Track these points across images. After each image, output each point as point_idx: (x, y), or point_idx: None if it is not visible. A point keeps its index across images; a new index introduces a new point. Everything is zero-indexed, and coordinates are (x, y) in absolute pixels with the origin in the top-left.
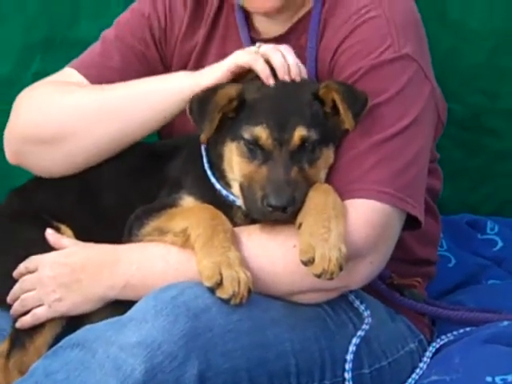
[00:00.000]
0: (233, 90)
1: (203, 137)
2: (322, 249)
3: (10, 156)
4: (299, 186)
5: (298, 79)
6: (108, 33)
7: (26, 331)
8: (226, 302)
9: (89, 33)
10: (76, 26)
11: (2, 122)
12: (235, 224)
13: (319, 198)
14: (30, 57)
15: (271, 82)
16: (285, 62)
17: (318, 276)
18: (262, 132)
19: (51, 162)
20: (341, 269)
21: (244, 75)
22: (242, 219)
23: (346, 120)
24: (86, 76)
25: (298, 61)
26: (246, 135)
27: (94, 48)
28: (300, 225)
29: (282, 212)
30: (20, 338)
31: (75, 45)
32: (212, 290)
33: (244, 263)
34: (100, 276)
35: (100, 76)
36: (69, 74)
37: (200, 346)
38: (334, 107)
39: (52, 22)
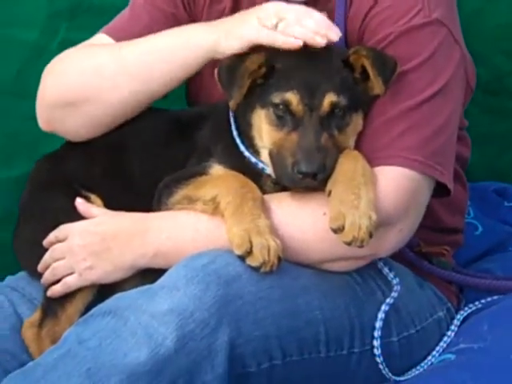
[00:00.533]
0: (262, 57)
1: (233, 103)
2: (352, 216)
3: (43, 123)
4: (329, 152)
5: (334, 38)
6: None
7: (58, 300)
8: (256, 269)
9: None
10: None
11: (33, 91)
12: (264, 192)
13: (349, 165)
14: (56, 24)
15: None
16: (307, 30)
17: (348, 244)
18: (292, 97)
19: (79, 124)
20: (371, 236)
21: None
22: (271, 187)
23: (376, 85)
24: (116, 39)
25: (320, 15)
26: (277, 100)
27: (124, 13)
28: (330, 192)
29: (312, 179)
30: (52, 307)
31: (101, 12)
32: (242, 258)
33: (274, 231)
34: (130, 244)
35: (129, 39)
36: (98, 38)
37: (231, 314)
38: (364, 73)
39: None
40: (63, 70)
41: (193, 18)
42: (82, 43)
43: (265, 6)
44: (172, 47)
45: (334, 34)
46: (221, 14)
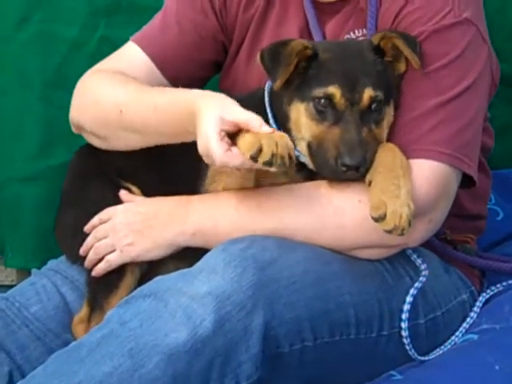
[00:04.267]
0: (306, 41)
1: (278, 83)
2: (393, 205)
3: (73, 128)
4: (370, 145)
5: None
6: (170, 4)
7: (103, 294)
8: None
9: None
10: None
11: (72, 84)
12: (289, 177)
13: (387, 157)
14: (95, 22)
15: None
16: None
17: (389, 232)
18: (335, 91)
19: (100, 146)
20: (410, 225)
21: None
22: (302, 175)
23: (413, 61)
24: (144, 49)
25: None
26: (319, 94)
27: (155, 21)
28: (370, 182)
29: (355, 171)
30: (97, 300)
31: (139, 10)
32: (254, 158)
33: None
34: (171, 222)
35: (160, 54)
36: (128, 47)
37: (266, 297)
38: (392, 55)
39: None
40: (87, 97)
41: (223, 27)
42: (115, 54)
43: None
44: (164, 106)
45: None
46: (252, 18)
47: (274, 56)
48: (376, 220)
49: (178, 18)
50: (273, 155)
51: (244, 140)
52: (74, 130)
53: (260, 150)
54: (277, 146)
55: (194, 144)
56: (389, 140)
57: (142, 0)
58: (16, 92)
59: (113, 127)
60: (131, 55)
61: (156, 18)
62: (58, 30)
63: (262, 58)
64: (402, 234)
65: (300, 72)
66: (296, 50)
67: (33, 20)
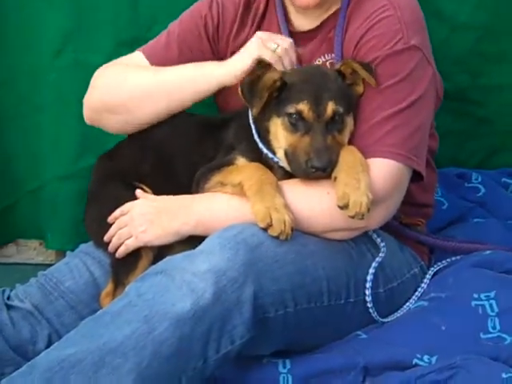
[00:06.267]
0: (276, 74)
1: (255, 111)
2: (354, 196)
3: (87, 120)
4: (334, 150)
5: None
6: (173, 27)
7: (124, 272)
8: (276, 238)
9: None
10: (154, 28)
11: None
12: (277, 179)
13: (349, 157)
14: (119, 51)
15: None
16: (291, 62)
17: (352, 217)
18: (304, 107)
19: (115, 125)
20: (368, 211)
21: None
22: (281, 175)
23: (370, 81)
24: (149, 61)
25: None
26: (291, 110)
27: (161, 37)
28: (335, 178)
29: (322, 172)
30: (119, 279)
31: None
32: (265, 229)
33: (288, 207)
34: (177, 214)
35: (159, 65)
36: (136, 55)
37: (255, 273)
38: (352, 79)
39: (136, 25)
40: (108, 83)
41: (215, 51)
42: (122, 58)
43: (262, 33)
44: (195, 78)
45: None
46: (241, 44)
47: (250, 89)
48: (341, 208)
49: (179, 41)
50: (281, 232)
51: (256, 209)
52: (87, 120)
53: (270, 224)
54: (285, 224)
55: (192, 151)
56: (353, 143)
57: (156, 34)
58: (56, 110)
59: (142, 92)
60: (136, 61)
61: (161, 35)
62: (89, 59)
63: (241, 91)
64: (362, 219)
65: (275, 96)
66: (267, 85)
67: (67, 50)
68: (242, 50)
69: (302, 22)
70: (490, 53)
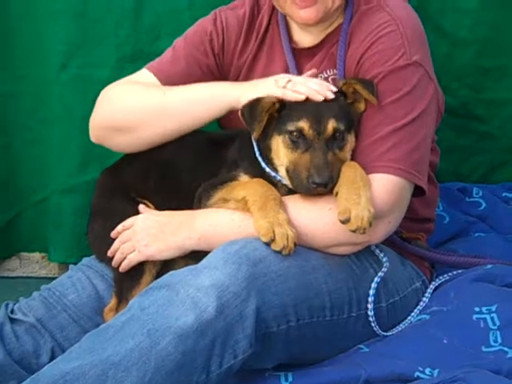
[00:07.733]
0: (274, 97)
1: (255, 134)
2: (355, 210)
3: (92, 138)
4: (335, 166)
5: (330, 96)
6: (179, 43)
7: (127, 288)
8: (278, 252)
9: (167, 47)
10: (157, 42)
11: None
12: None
13: (350, 172)
14: (122, 66)
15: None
16: (309, 88)
17: (354, 231)
18: (305, 124)
19: (121, 144)
20: (370, 225)
21: None
22: (284, 191)
23: (371, 100)
24: (157, 77)
25: (320, 81)
26: (292, 128)
27: (167, 53)
28: (337, 193)
29: (323, 187)
30: (123, 293)
31: (157, 56)
32: (268, 244)
33: (291, 223)
34: (180, 229)
35: (167, 79)
36: (142, 73)
37: (257, 288)
38: (353, 98)
39: (139, 40)
40: (115, 99)
41: (220, 66)
42: (129, 77)
43: (280, 75)
44: (204, 98)
45: (330, 93)
46: (246, 60)
47: (250, 112)
48: (343, 222)
49: (185, 55)
50: (284, 247)
51: (259, 224)
52: (94, 140)
53: (273, 239)
54: (288, 239)
55: (196, 167)
56: (355, 159)
57: (160, 48)
58: (60, 123)
59: (151, 112)
60: (144, 79)
61: (167, 52)
62: (93, 73)
63: (242, 114)
64: (363, 233)
65: (275, 116)
66: (266, 108)
67: (72, 65)
68: (259, 81)
69: (305, 38)
70: (491, 67)
